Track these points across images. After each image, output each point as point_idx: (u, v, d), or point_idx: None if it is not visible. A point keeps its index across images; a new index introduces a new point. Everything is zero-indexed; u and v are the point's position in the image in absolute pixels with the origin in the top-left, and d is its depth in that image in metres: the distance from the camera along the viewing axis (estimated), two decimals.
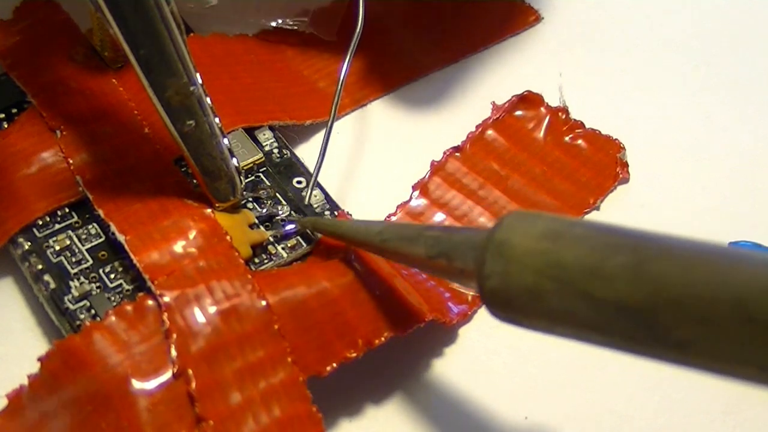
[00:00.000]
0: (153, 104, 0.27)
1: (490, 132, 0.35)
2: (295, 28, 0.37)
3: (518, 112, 0.36)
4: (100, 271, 0.29)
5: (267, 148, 0.33)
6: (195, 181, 0.29)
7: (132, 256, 0.28)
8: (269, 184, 0.32)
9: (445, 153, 0.34)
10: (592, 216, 0.33)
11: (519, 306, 0.21)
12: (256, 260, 0.29)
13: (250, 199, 0.31)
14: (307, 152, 0.34)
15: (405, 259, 0.26)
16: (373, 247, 0.27)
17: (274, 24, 0.37)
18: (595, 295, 0.19)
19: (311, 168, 0.32)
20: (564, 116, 0.35)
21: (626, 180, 0.34)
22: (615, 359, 0.30)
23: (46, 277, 0.28)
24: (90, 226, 0.30)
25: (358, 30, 0.33)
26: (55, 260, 0.29)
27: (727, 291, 0.17)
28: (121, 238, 0.28)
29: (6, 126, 0.32)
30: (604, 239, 0.20)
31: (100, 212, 0.29)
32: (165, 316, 0.26)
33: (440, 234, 0.24)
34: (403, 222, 0.31)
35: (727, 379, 0.18)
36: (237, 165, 0.29)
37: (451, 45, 0.38)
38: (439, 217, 0.32)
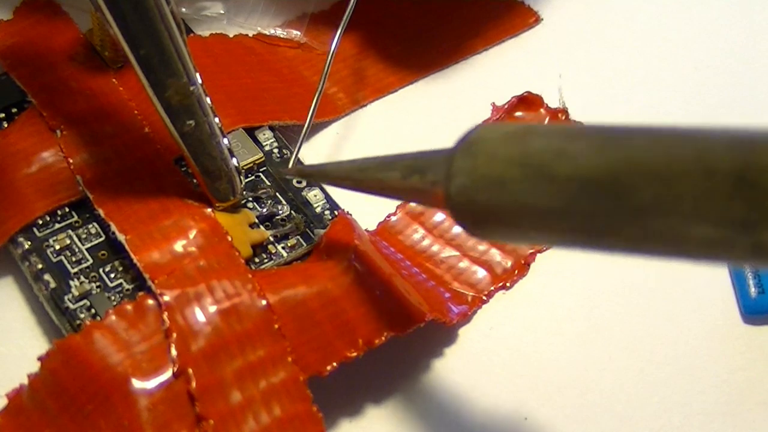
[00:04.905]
0: (153, 104, 0.27)
1: None
2: (288, 38, 0.37)
3: (518, 113, 0.36)
4: (101, 270, 0.29)
5: (267, 148, 0.33)
6: (195, 180, 0.29)
7: (132, 256, 0.28)
8: (269, 183, 0.32)
9: None
10: None
11: (484, 201, 0.21)
12: (257, 260, 0.29)
13: (250, 198, 0.31)
14: (307, 152, 0.34)
15: (381, 187, 0.26)
16: (354, 180, 0.27)
17: (268, 33, 0.37)
18: (560, 174, 0.19)
19: None
20: (564, 117, 0.35)
21: None
22: (615, 359, 0.30)
23: (46, 277, 0.28)
24: (90, 226, 0.30)
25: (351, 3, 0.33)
26: (55, 260, 0.29)
27: (688, 147, 0.18)
28: (121, 237, 0.28)
29: (6, 126, 0.32)
30: (571, 130, 0.20)
31: (101, 212, 0.29)
32: (165, 315, 0.26)
33: (416, 154, 0.24)
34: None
35: (681, 256, 0.18)
36: (237, 165, 0.29)
37: (450, 46, 0.38)
38: (439, 217, 0.32)
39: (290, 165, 0.32)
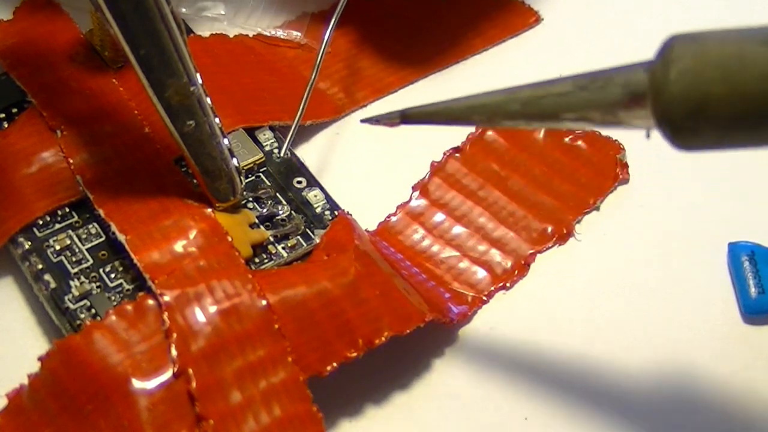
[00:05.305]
0: (153, 104, 0.27)
1: (489, 133, 0.35)
2: (289, 39, 0.37)
3: None
4: (101, 270, 0.29)
5: (267, 148, 0.33)
6: (195, 180, 0.29)
7: (132, 256, 0.28)
8: (269, 184, 0.32)
9: (445, 154, 0.34)
10: (592, 216, 0.33)
11: (715, 79, 0.20)
12: (257, 260, 0.29)
13: (251, 198, 0.31)
14: (307, 152, 0.34)
15: (542, 105, 0.23)
16: (492, 111, 0.24)
17: (268, 34, 0.37)
18: None
19: (311, 168, 0.32)
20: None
21: (626, 180, 0.34)
22: (615, 359, 0.30)
23: (47, 277, 0.28)
24: (90, 226, 0.30)
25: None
26: (55, 260, 0.29)
27: None
28: (121, 237, 0.28)
29: (6, 126, 0.32)
30: None
31: (101, 212, 0.29)
32: (165, 315, 0.26)
33: (581, 75, 0.23)
34: None
35: None
36: (237, 165, 0.29)
37: (451, 46, 0.38)
38: (439, 217, 0.32)
39: (282, 152, 0.32)
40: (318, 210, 0.31)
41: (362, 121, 0.29)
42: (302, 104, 0.32)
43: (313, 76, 0.33)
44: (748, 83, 0.19)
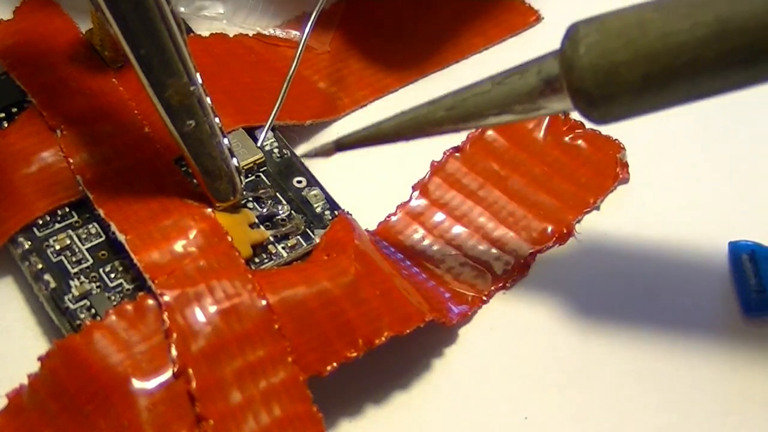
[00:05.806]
0: (153, 104, 0.27)
1: (489, 132, 0.35)
2: (288, 38, 0.37)
3: None
4: (101, 270, 0.29)
5: (267, 148, 0.33)
6: (195, 180, 0.29)
7: (132, 256, 0.28)
8: (269, 183, 0.32)
9: (445, 153, 0.34)
10: (592, 216, 0.33)
11: (622, 47, 0.22)
12: (257, 260, 0.29)
13: (251, 198, 0.31)
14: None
15: (465, 106, 0.26)
16: (421, 119, 0.27)
17: (267, 33, 0.37)
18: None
19: (311, 168, 0.32)
20: (564, 116, 0.35)
21: (626, 180, 0.34)
22: (615, 359, 0.30)
23: (47, 277, 0.28)
24: (90, 226, 0.30)
25: None
26: (55, 260, 0.29)
27: None
28: (121, 237, 0.28)
29: (6, 125, 0.32)
30: None
31: (101, 212, 0.29)
32: (165, 315, 0.26)
33: (500, 73, 0.26)
34: None
35: None
36: (237, 165, 0.29)
37: (451, 45, 0.38)
38: (439, 217, 0.32)
39: (260, 142, 0.32)
40: (318, 210, 0.31)
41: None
42: (283, 91, 0.32)
43: (293, 66, 0.33)
44: (649, 44, 0.22)
